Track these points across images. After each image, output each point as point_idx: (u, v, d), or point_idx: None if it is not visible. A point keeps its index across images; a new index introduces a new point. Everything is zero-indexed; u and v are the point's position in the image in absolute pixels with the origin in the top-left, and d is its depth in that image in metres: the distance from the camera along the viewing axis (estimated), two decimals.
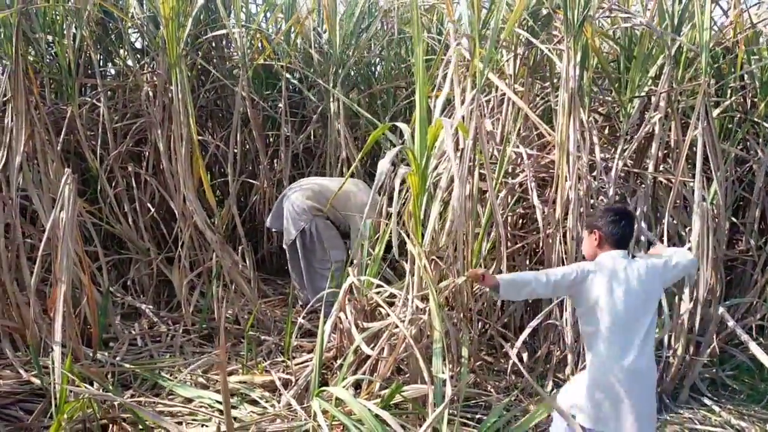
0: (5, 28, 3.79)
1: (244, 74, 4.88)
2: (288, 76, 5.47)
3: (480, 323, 3.87)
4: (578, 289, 2.61)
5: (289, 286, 4.86)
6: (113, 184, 4.72)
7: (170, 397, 3.30)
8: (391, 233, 2.81)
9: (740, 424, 3.38)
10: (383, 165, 2.66)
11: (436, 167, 3.47)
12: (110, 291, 4.21)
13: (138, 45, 5.41)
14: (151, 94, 4.73)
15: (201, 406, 3.16)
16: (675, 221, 3.87)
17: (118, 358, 3.63)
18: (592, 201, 3.79)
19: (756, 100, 4.45)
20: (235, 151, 4.99)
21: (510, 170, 4.19)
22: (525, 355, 3.79)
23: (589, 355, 2.66)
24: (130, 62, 5.12)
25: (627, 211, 2.78)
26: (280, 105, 5.39)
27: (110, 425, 2.94)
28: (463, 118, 3.30)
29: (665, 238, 3.66)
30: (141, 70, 5.05)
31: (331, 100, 5.26)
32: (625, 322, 2.54)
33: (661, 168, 4.06)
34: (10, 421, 2.99)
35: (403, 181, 3.06)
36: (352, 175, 4.58)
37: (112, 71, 5.50)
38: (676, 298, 3.57)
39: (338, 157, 5.38)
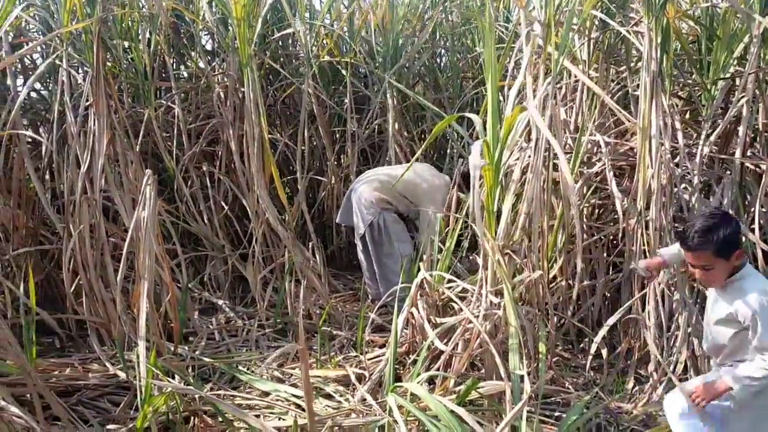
0: (86, 36, 3.95)
1: (309, 71, 4.91)
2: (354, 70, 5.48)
3: (556, 318, 3.76)
4: None
5: (360, 281, 4.89)
6: (189, 184, 4.86)
7: (248, 390, 3.37)
8: (462, 227, 2.77)
9: None
10: (476, 160, 2.63)
11: (508, 159, 3.38)
12: (189, 287, 4.35)
13: (208, 47, 5.56)
14: (222, 94, 4.84)
15: (278, 400, 3.20)
16: (765, 209, 3.63)
17: (197, 353, 3.73)
18: (675, 189, 3.61)
19: None
20: (303, 148, 5.05)
21: (586, 159, 4.05)
22: (604, 351, 3.66)
23: None
24: (201, 64, 5.25)
25: (720, 210, 2.67)
26: (346, 101, 5.42)
27: (192, 417, 3.02)
28: (537, 107, 3.19)
29: (756, 228, 3.45)
30: (212, 72, 5.17)
31: (391, 94, 5.24)
32: None
33: (748, 153, 3.82)
34: (98, 412, 3.12)
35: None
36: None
37: (185, 74, 5.67)
38: None
39: (402, 150, 5.37)
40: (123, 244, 3.49)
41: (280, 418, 3.08)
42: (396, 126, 5.31)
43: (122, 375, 3.36)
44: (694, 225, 2.33)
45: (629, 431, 3.09)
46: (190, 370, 3.52)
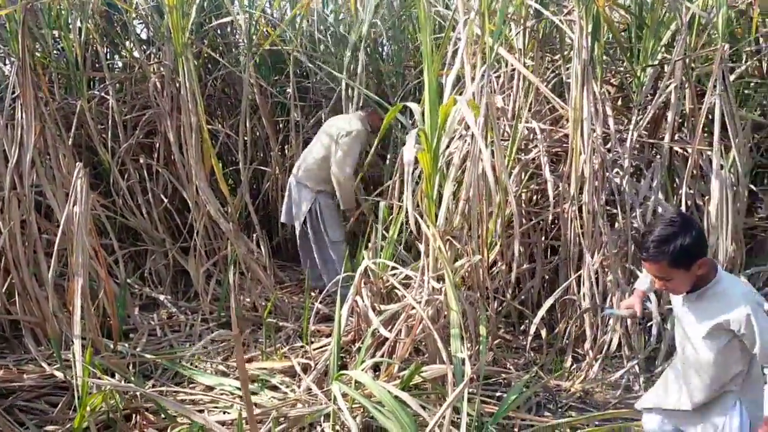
0: (11, 25, 3.78)
1: (250, 61, 4.85)
2: (297, 58, 5.43)
3: (497, 301, 3.85)
4: None
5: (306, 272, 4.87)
6: (126, 177, 4.73)
7: (191, 385, 3.33)
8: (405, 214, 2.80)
9: None
10: (409, 156, 2.64)
11: (447, 146, 3.42)
12: (128, 283, 4.25)
13: (144, 36, 5.40)
14: (158, 84, 4.72)
15: (222, 394, 3.17)
16: (692, 191, 3.80)
17: (138, 349, 3.66)
18: (607, 174, 3.73)
19: None
20: (246, 138, 4.98)
21: (523, 146, 4.14)
22: (543, 332, 3.78)
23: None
24: (136, 54, 5.10)
25: (685, 216, 2.25)
26: (289, 90, 5.37)
27: (133, 415, 2.97)
28: (474, 95, 3.25)
29: (683, 209, 3.61)
30: (148, 61, 5.03)
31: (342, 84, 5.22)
32: None
33: (676, 137, 3.98)
34: (35, 415, 3.03)
35: (415, 162, 3.04)
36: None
37: (120, 64, 5.49)
38: None
39: None
40: (56, 240, 3.37)
41: (224, 412, 3.05)
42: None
43: (59, 375, 3.26)
44: (651, 233, 2.12)
45: (567, 408, 3.20)
46: (130, 367, 3.45)
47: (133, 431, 2.87)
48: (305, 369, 3.41)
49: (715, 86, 3.45)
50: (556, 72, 4.35)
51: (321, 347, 3.65)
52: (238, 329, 2.27)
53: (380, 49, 6.37)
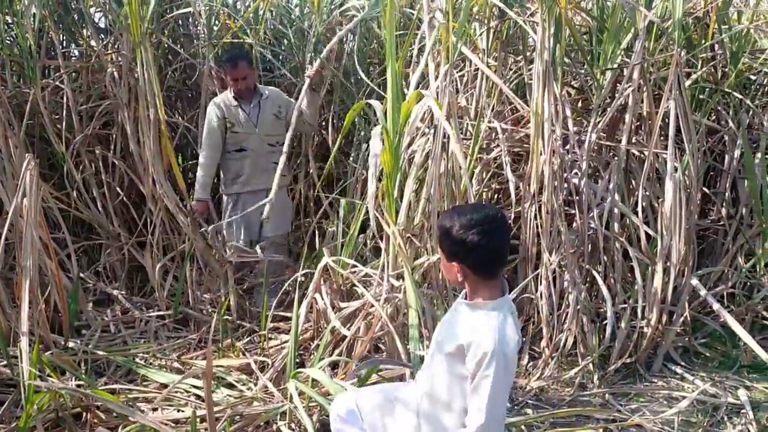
0: None
1: (210, 52, 4.76)
2: (260, 52, 5.36)
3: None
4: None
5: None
6: (80, 169, 4.60)
7: (145, 383, 3.26)
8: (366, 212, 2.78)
9: (712, 390, 3.44)
10: (376, 147, 2.65)
11: (410, 144, 3.42)
12: (81, 277, 4.13)
13: (102, 24, 5.25)
14: (116, 75, 4.59)
15: (177, 391, 3.12)
16: (648, 193, 3.89)
17: (90, 346, 3.56)
18: (565, 174, 3.79)
19: (726, 70, 4.47)
20: None
21: (485, 145, 4.17)
22: None
23: None
24: (93, 43, 4.96)
25: (498, 218, 1.83)
26: None
27: (84, 413, 2.89)
28: (437, 93, 3.25)
29: (639, 210, 3.68)
30: (105, 50, 4.89)
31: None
32: None
33: (633, 140, 4.06)
34: None
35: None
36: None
37: (76, 52, 5.33)
38: (650, 268, 3.60)
39: (313, 136, 5.32)
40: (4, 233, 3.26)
41: (178, 410, 3.00)
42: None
43: (7, 372, 3.16)
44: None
45: (523, 405, 3.23)
46: (82, 364, 3.36)
47: (83, 430, 2.79)
48: (262, 367, 3.37)
49: (671, 91, 3.52)
50: (519, 73, 4.40)
51: (279, 345, 3.62)
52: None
53: (344, 46, 6.34)
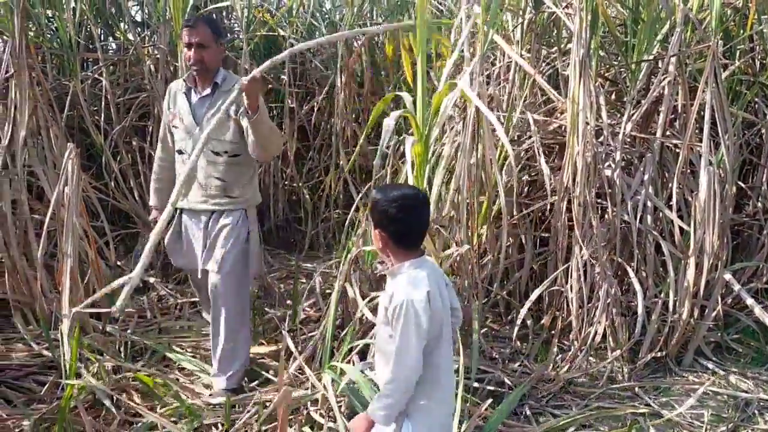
0: (5, 4, 3.76)
1: (246, 47, 4.83)
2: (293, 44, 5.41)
3: (485, 291, 3.88)
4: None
5: (296, 258, 4.89)
6: (118, 159, 4.73)
7: (181, 369, 3.35)
8: None
9: (745, 385, 3.40)
10: (389, 122, 2.64)
11: (441, 136, 3.44)
12: (118, 265, 4.25)
13: (138, 18, 5.37)
14: (152, 67, 4.70)
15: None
16: (682, 186, 3.83)
17: (128, 331, 3.67)
18: (599, 167, 3.75)
19: (765, 62, 4.37)
20: None
21: (516, 137, 4.16)
22: (530, 322, 3.81)
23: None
24: (130, 36, 5.08)
25: (415, 197, 1.98)
26: (283, 77, 5.36)
27: (122, 394, 2.99)
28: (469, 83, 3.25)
29: (673, 203, 3.64)
30: (142, 44, 5.01)
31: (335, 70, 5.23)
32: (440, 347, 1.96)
33: (668, 133, 4.01)
34: (23, 393, 3.05)
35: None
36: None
37: (114, 45, 5.47)
38: (682, 262, 3.56)
39: (343, 129, 5.37)
40: (46, 221, 3.38)
41: (211, 394, 3.09)
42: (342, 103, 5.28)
43: (48, 354, 3.28)
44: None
45: (551, 396, 3.23)
46: (120, 348, 3.46)
47: (120, 411, 2.89)
48: (289, 356, 3.43)
49: (707, 83, 3.46)
50: (552, 65, 4.37)
51: (310, 333, 3.67)
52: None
53: (375, 38, 6.37)
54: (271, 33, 5.34)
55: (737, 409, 3.22)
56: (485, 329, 3.85)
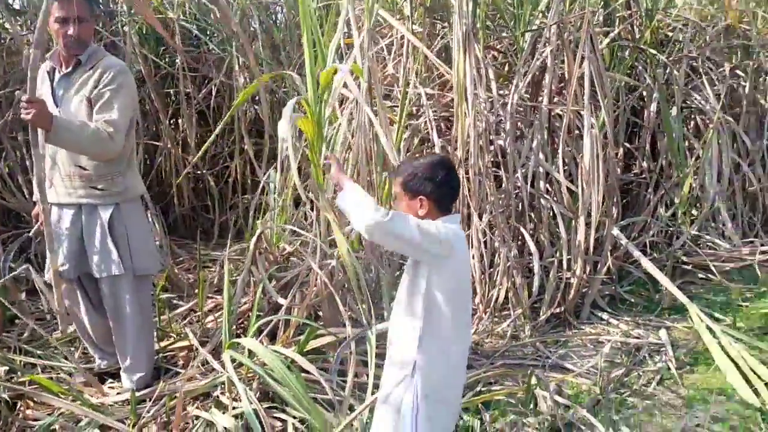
0: None
1: (131, 29, 4.65)
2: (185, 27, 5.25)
3: (399, 264, 3.96)
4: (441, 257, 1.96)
5: (199, 246, 4.79)
6: (3, 156, 4.46)
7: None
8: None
9: (636, 332, 3.65)
10: (283, 128, 2.58)
11: (333, 113, 3.45)
12: (11, 267, 4.03)
13: (17, 5, 5.05)
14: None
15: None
16: (570, 149, 4.03)
17: (26, 335, 3.51)
18: (492, 137, 3.89)
19: (642, 28, 4.64)
20: None
21: (414, 111, 4.24)
22: None
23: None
24: (8, 25, 4.76)
25: (449, 159, 2.16)
26: (178, 61, 5.20)
27: (17, 403, 2.86)
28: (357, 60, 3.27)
29: (560, 165, 3.83)
30: (21, 32, 4.71)
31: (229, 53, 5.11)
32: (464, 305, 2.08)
33: (556, 100, 4.19)
34: None
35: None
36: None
37: None
38: (573, 222, 3.76)
39: (245, 112, 5.28)
40: None
41: (118, 393, 3.02)
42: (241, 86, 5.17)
43: None
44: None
45: None
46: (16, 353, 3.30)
47: (16, 419, 2.77)
48: (203, 344, 3.38)
49: (584, 50, 3.64)
50: (445, 38, 4.45)
51: (217, 320, 3.63)
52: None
53: (274, 17, 6.28)
54: (158, 15, 5.14)
55: (629, 354, 3.46)
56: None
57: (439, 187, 2.01)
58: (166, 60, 5.44)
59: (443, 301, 1.95)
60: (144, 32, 5.17)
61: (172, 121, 5.42)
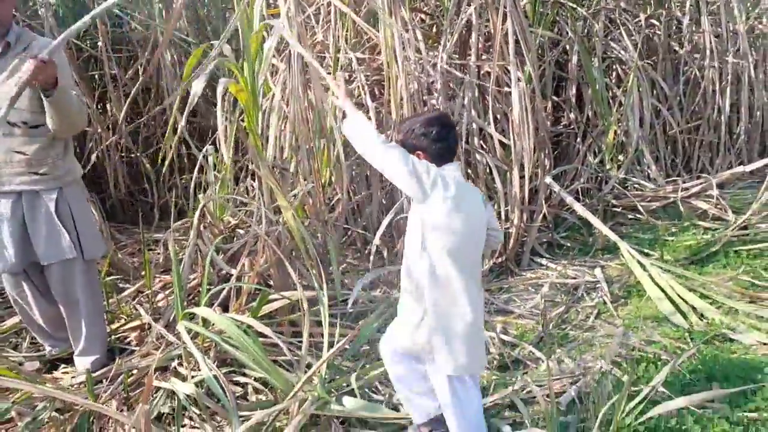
0: None
1: (47, 12, 4.47)
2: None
3: (344, 230, 4.04)
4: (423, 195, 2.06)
5: (143, 228, 4.72)
6: None
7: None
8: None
9: (572, 273, 3.87)
10: (197, 87, 2.57)
11: (266, 80, 3.45)
12: None
13: None
14: None
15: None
16: (500, 105, 4.17)
17: None
18: (425, 98, 3.98)
19: None
20: None
21: (347, 77, 4.27)
22: (385, 252, 4.02)
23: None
24: None
25: (446, 116, 2.31)
26: (100, 43, 5.03)
27: None
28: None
29: (491, 121, 3.96)
30: None
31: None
32: (468, 257, 2.16)
33: (483, 57, 4.31)
34: None
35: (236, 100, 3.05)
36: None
37: None
38: (508, 173, 3.91)
39: (174, 90, 5.18)
40: None
41: (74, 377, 3.00)
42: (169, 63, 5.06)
43: None
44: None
45: None
46: None
47: None
48: (155, 321, 3.38)
49: (505, 6, 3.76)
50: (372, 3, 4.48)
51: (168, 297, 3.63)
52: None
53: None
54: None
55: (568, 293, 3.67)
56: (345, 265, 4.02)
57: (434, 143, 2.14)
58: (88, 42, 5.26)
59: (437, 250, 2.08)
60: (62, 15, 4.97)
61: (99, 105, 5.27)
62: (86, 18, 2.26)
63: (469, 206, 2.12)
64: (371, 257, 3.90)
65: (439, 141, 2.13)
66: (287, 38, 2.78)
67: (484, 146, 4.15)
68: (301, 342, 2.76)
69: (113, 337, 3.29)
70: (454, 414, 2.21)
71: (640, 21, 5.20)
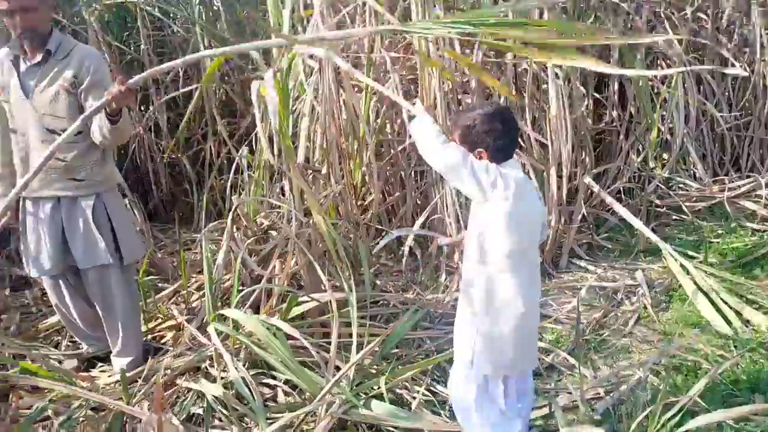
0: None
1: (92, 16, 4.59)
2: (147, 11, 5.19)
3: (376, 230, 4.01)
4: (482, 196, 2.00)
5: (185, 231, 4.82)
6: None
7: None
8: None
9: (612, 275, 3.75)
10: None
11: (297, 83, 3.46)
12: None
13: None
14: None
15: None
16: (538, 103, 4.07)
17: (12, 328, 3.53)
18: (460, 97, 3.92)
19: None
20: None
21: (382, 77, 4.24)
22: (418, 253, 3.98)
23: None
24: None
25: (507, 110, 2.18)
26: (143, 46, 5.15)
27: (9, 394, 2.90)
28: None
29: (527, 119, 3.87)
30: None
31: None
32: (526, 256, 2.09)
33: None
34: None
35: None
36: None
37: None
38: (544, 173, 3.82)
39: (215, 92, 5.26)
40: None
41: (110, 375, 3.06)
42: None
43: None
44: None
45: (441, 319, 3.42)
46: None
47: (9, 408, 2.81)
48: (189, 322, 3.43)
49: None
50: (406, 1, 4.44)
51: (201, 298, 3.67)
52: None
53: None
54: (119, 0, 5.08)
55: (607, 297, 3.55)
56: (377, 266, 4.00)
57: (496, 140, 2.03)
58: (131, 46, 5.39)
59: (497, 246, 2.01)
60: (106, 19, 5.11)
61: (142, 107, 5.38)
62: (178, 61, 2.40)
63: (528, 205, 2.05)
64: (404, 258, 3.88)
65: (501, 138, 2.02)
66: (342, 66, 2.70)
67: (522, 145, 4.06)
68: (330, 344, 2.75)
69: (149, 336, 3.36)
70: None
71: (686, 14, 5.00)
